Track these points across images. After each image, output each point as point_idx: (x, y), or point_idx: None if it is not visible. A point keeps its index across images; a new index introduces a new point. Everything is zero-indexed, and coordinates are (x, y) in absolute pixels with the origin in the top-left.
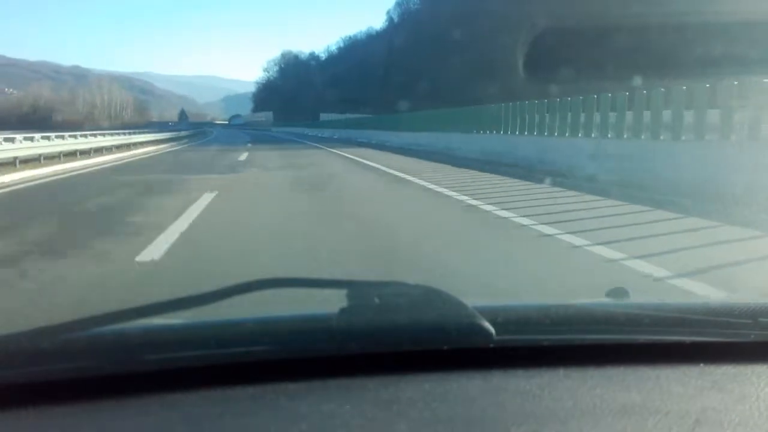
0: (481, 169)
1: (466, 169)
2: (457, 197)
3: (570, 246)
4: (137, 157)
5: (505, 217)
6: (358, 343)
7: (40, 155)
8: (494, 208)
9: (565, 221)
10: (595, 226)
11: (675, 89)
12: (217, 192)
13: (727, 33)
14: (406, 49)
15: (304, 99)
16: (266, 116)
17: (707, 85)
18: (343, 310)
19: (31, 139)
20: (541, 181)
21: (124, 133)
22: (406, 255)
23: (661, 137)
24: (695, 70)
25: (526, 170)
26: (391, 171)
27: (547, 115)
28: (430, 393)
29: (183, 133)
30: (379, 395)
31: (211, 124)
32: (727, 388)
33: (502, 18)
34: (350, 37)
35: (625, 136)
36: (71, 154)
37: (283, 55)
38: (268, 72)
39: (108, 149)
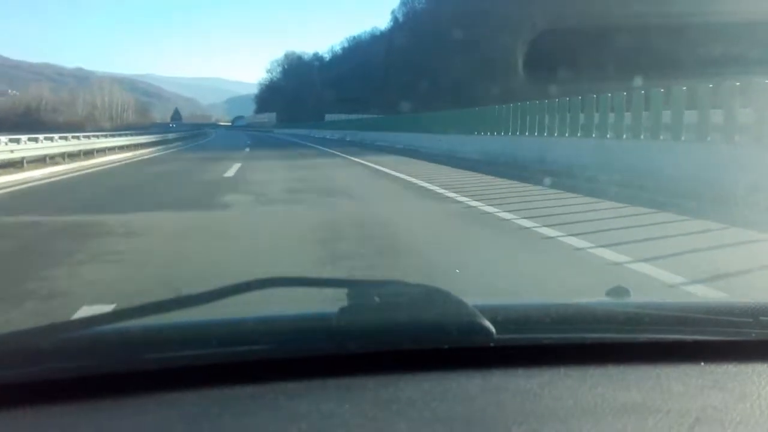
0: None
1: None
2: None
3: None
4: (77, 173)
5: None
6: (358, 342)
7: None
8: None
9: None
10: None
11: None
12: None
13: (728, 33)
14: (410, 48)
15: (307, 100)
16: (269, 117)
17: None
18: (342, 310)
19: None
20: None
21: (93, 137)
22: None
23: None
24: (696, 71)
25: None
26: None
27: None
28: (429, 392)
29: (171, 136)
30: (378, 394)
31: (214, 125)
32: (728, 387)
33: (503, 18)
34: (354, 38)
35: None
36: None
37: (287, 56)
38: (271, 73)
39: (52, 158)
